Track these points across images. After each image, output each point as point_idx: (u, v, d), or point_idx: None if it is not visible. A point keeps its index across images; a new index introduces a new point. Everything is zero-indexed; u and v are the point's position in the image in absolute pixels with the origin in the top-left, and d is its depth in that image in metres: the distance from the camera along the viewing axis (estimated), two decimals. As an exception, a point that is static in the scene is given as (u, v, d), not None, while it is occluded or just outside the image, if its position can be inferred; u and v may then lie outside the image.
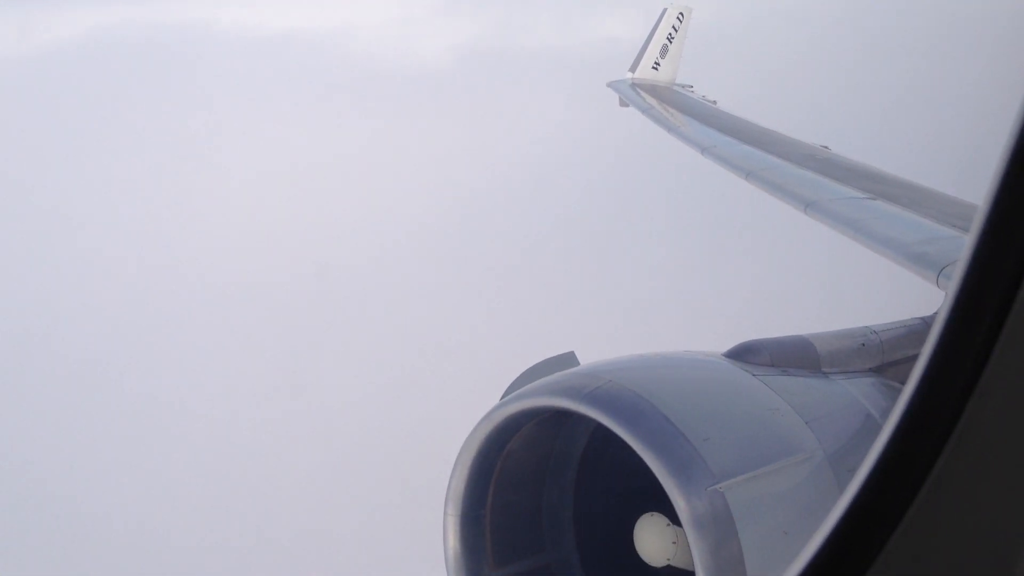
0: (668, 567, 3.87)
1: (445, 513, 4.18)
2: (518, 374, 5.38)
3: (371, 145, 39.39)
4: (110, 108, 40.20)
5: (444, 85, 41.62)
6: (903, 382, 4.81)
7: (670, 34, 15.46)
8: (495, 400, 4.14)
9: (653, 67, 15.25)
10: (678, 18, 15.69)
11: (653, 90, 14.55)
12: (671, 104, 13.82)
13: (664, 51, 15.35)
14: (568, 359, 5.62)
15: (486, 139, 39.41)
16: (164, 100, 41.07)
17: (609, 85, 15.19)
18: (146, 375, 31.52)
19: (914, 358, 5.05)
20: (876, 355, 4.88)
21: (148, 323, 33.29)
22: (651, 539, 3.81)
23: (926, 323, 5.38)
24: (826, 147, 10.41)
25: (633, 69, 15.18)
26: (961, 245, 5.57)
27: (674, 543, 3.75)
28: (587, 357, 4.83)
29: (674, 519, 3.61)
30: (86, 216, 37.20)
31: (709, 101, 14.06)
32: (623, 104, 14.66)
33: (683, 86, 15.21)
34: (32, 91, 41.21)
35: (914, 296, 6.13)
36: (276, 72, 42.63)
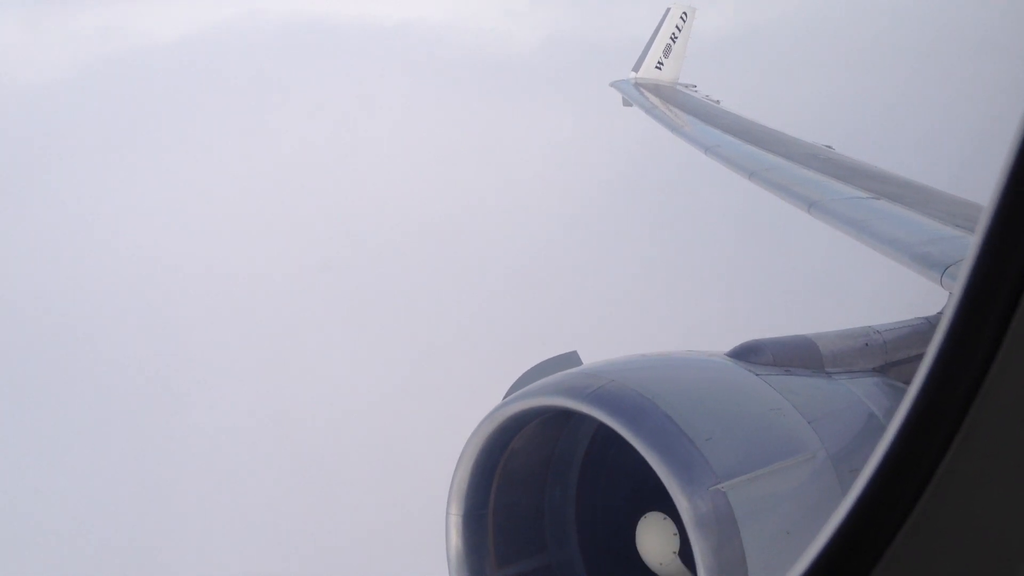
0: (670, 567, 3.87)
1: (448, 512, 4.18)
2: (521, 373, 5.38)
3: (384, 139, 39.86)
4: (226, 101, 41.30)
5: (485, 83, 42.05)
6: (906, 382, 4.81)
7: (673, 34, 15.45)
8: (498, 399, 4.14)
9: (656, 67, 15.24)
10: (681, 18, 15.68)
11: (656, 89, 14.54)
12: (674, 104, 13.81)
13: (668, 51, 15.34)
14: (571, 358, 5.62)
15: (499, 136, 39.55)
16: (280, 91, 42.11)
17: (612, 85, 15.18)
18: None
19: (917, 358, 5.06)
20: (879, 355, 4.87)
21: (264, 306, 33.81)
22: (653, 539, 3.81)
23: (930, 323, 5.37)
24: (829, 147, 10.40)
25: (636, 68, 15.17)
26: (965, 245, 5.58)
27: (674, 535, 3.75)
28: (589, 357, 4.82)
29: (676, 519, 3.61)
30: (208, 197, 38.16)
31: (712, 101, 14.04)
32: (626, 104, 14.65)
33: (686, 85, 15.20)
34: (155, 84, 42.40)
35: (917, 296, 6.12)
36: (385, 63, 43.46)
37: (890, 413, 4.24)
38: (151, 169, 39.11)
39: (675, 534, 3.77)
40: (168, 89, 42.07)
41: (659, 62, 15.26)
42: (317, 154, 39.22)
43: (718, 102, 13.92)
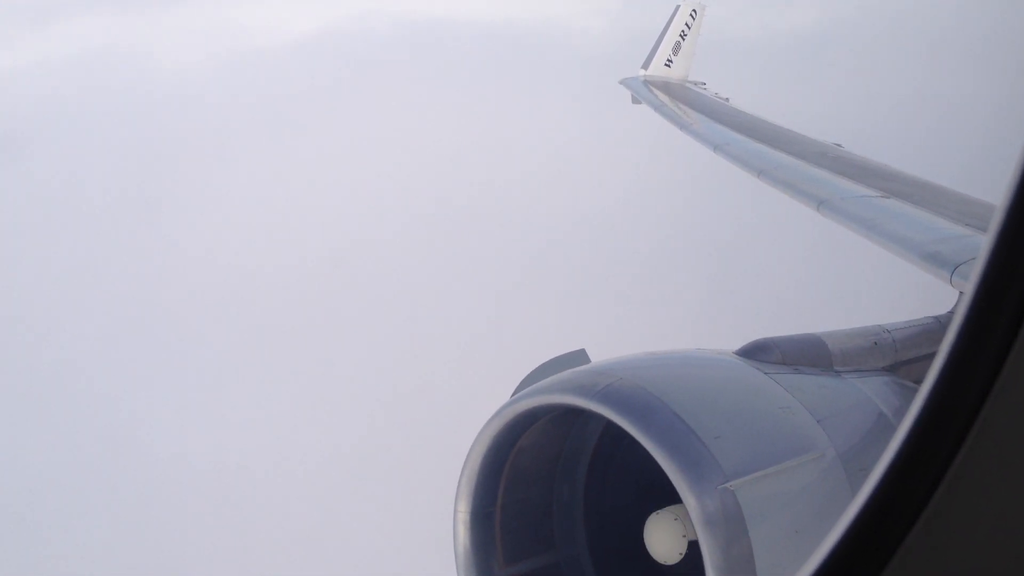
0: (678, 565, 3.86)
1: (456, 510, 4.18)
2: (529, 371, 5.37)
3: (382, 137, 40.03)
4: (337, 101, 42.04)
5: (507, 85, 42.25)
6: (916, 381, 4.80)
7: (683, 31, 15.41)
8: (506, 397, 4.14)
9: (666, 64, 15.20)
10: (691, 15, 15.64)
11: (666, 87, 14.50)
12: (683, 101, 13.77)
13: (677, 48, 15.29)
14: (579, 356, 5.60)
15: (506, 134, 39.52)
16: (379, 92, 42.66)
17: (621, 82, 15.14)
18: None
19: (927, 357, 5.04)
20: (889, 354, 4.86)
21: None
22: (661, 537, 3.80)
23: (939, 322, 5.35)
24: (839, 145, 10.36)
25: (646, 66, 15.13)
26: (975, 244, 5.54)
27: (683, 536, 3.74)
28: (598, 355, 4.82)
29: (685, 517, 3.61)
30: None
31: (721, 98, 14.00)
32: (635, 101, 14.61)
33: (696, 83, 15.15)
34: (270, 83, 43.15)
35: (927, 295, 6.09)
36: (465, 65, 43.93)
37: (900, 412, 4.23)
38: (275, 165, 39.63)
39: (684, 533, 3.76)
40: (281, 90, 42.79)
41: (669, 59, 15.21)
42: (396, 151, 39.55)
43: (727, 100, 13.87)
